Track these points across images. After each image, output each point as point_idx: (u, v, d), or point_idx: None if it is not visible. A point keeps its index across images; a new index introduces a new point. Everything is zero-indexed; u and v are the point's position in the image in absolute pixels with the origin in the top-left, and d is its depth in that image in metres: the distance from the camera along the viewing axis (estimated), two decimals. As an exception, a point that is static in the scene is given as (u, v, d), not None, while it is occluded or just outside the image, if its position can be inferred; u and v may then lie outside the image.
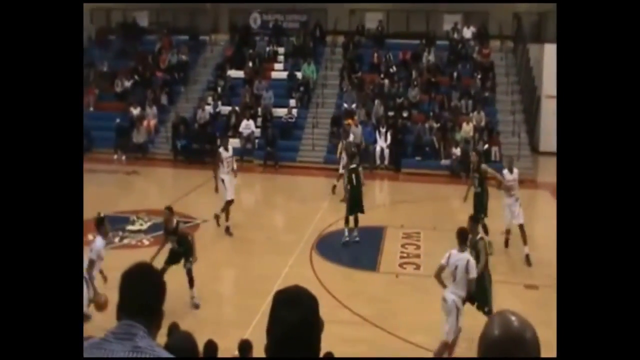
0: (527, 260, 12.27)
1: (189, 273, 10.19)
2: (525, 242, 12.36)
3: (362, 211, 13.50)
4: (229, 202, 13.93)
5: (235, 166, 14.31)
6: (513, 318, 1.98)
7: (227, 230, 13.98)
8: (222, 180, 13.94)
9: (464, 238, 8.48)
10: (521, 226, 12.44)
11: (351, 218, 13.47)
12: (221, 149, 14.25)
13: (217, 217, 14.20)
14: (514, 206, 12.64)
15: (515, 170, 13.01)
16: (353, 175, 13.45)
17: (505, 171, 12.95)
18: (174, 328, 6.68)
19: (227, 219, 13.98)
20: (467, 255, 8.39)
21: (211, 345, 7.03)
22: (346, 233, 13.52)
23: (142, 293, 2.52)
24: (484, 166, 13.48)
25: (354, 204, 13.39)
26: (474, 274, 8.30)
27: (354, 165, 13.63)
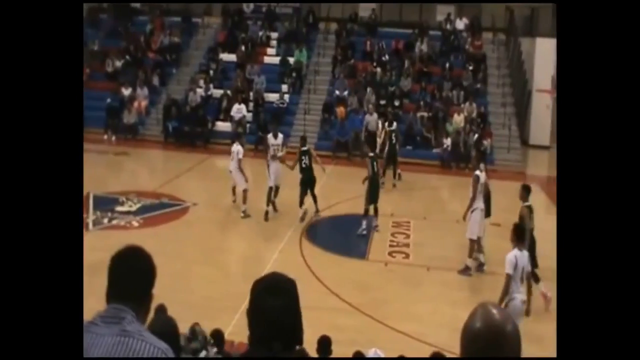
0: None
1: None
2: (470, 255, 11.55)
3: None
4: (270, 189, 13.98)
5: (280, 154, 14.32)
6: (494, 311, 2.00)
7: (266, 215, 13.94)
8: (267, 166, 14.18)
9: (522, 234, 8.37)
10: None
11: (371, 207, 13.26)
12: (269, 136, 14.47)
13: (273, 204, 14.22)
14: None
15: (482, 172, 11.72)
16: (374, 164, 13.44)
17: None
18: (159, 310, 6.67)
19: (267, 203, 14.00)
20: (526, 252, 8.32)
21: (196, 329, 7.04)
22: (364, 225, 13.14)
23: (131, 277, 2.50)
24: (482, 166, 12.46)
25: (376, 193, 13.25)
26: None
27: (372, 154, 13.65)
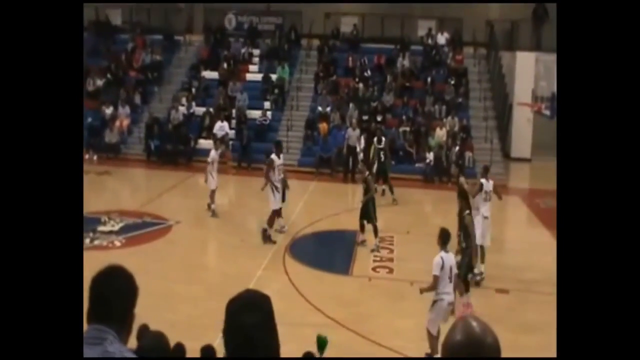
0: None
1: None
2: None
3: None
4: (275, 212, 13.55)
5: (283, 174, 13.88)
6: (474, 324, 2.02)
7: (269, 237, 13.49)
8: (275, 188, 13.52)
9: (447, 237, 8.79)
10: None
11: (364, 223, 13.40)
12: (273, 156, 13.78)
13: (265, 231, 13.48)
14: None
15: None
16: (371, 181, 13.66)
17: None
18: (144, 330, 6.60)
19: (270, 225, 13.55)
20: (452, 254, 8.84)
21: (180, 348, 6.96)
22: (378, 242, 13.33)
23: (112, 297, 2.47)
24: (461, 179, 13.21)
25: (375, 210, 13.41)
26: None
27: (368, 173, 13.78)
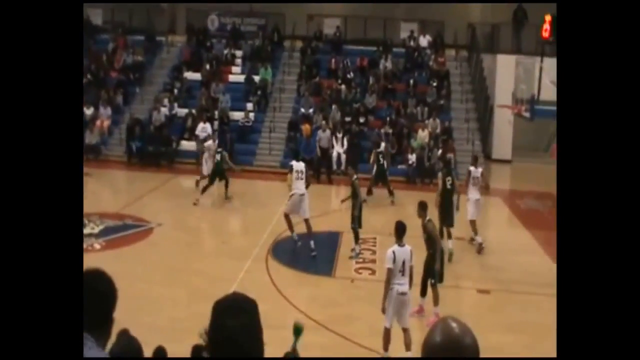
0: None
1: None
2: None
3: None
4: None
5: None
6: (454, 325, 2.04)
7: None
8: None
9: (403, 231, 8.95)
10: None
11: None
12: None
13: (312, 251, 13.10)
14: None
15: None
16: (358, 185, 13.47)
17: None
18: (123, 334, 6.54)
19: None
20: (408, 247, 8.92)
21: (161, 352, 6.90)
22: (358, 249, 13.19)
23: (91, 301, 2.44)
24: (439, 174, 13.61)
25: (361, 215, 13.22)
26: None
27: (356, 176, 13.54)
